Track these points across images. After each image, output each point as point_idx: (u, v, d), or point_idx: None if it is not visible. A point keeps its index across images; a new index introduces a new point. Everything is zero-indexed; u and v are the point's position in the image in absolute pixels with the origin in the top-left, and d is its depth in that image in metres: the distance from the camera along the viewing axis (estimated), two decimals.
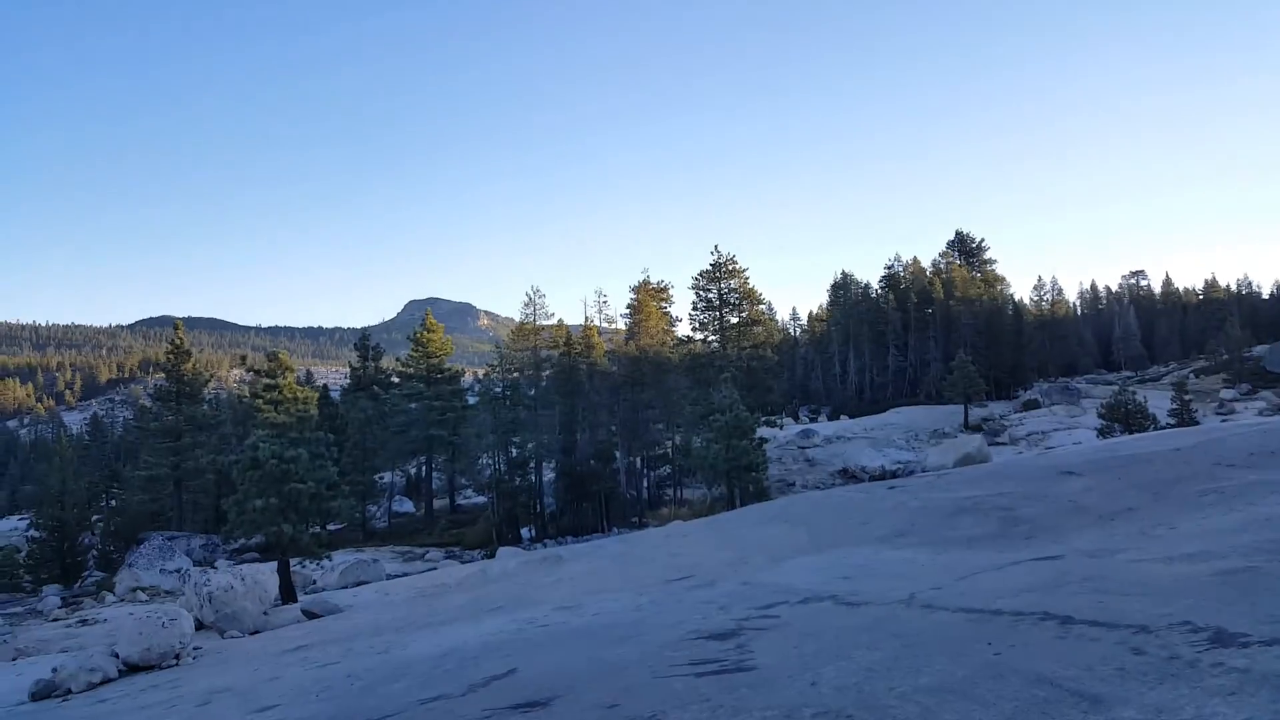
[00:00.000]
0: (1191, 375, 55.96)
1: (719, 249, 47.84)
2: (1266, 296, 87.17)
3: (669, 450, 41.27)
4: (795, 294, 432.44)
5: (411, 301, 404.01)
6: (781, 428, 51.42)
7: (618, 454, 40.17)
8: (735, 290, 47.78)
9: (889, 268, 74.09)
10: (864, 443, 45.34)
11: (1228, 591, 4.10)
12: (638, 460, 41.52)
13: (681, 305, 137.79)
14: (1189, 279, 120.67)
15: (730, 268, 47.75)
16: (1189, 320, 78.48)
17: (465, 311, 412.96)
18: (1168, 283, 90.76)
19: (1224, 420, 36.43)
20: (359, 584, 21.24)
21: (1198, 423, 34.39)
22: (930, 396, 60.43)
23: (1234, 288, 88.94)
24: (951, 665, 3.73)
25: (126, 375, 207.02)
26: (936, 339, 65.49)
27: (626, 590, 8.01)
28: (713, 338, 48.31)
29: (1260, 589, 4.00)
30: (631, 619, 6.24)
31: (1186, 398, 37.76)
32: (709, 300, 48.22)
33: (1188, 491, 7.19)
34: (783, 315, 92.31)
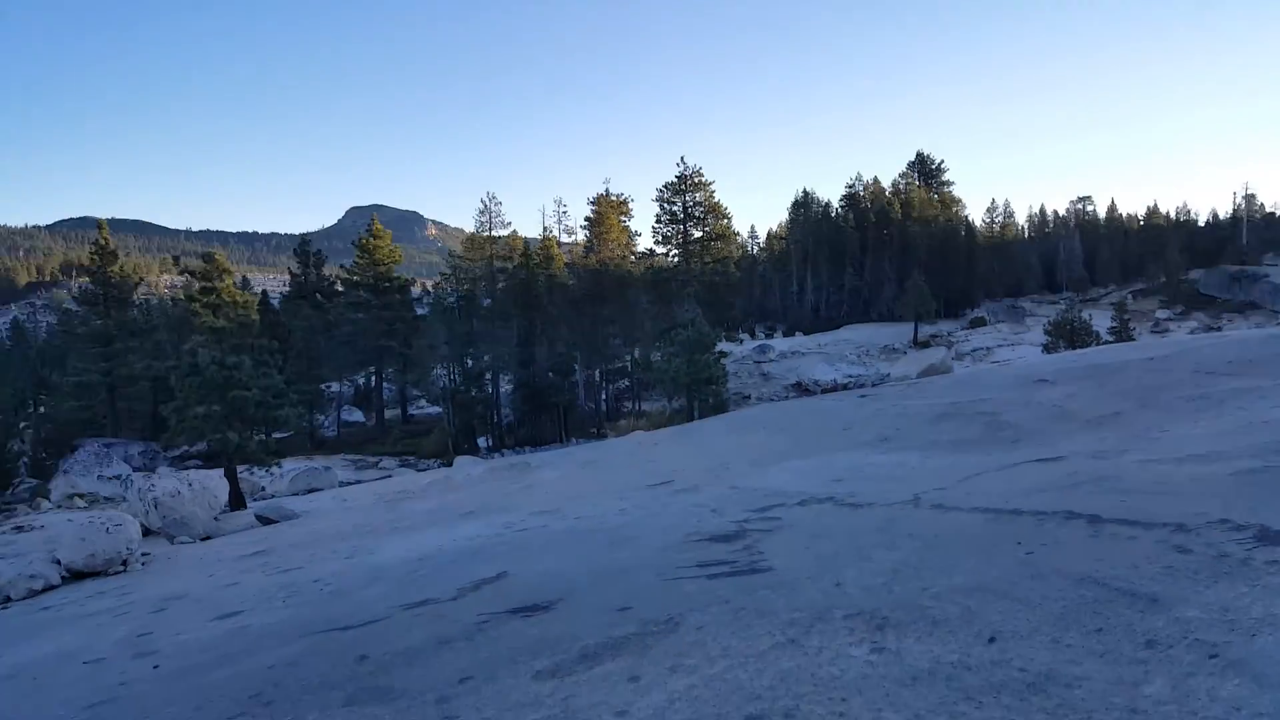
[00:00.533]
0: (1130, 297, 57.71)
1: (685, 160, 46.68)
2: (1202, 225, 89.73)
3: (628, 364, 41.13)
4: (754, 213, 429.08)
5: (354, 208, 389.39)
6: (740, 343, 51.75)
7: (576, 368, 39.90)
8: (700, 204, 46.90)
9: (850, 187, 73.71)
10: (817, 358, 45.88)
11: (1256, 490, 3.95)
12: (596, 373, 41.33)
13: (642, 219, 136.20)
14: (1132, 206, 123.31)
15: (696, 180, 46.72)
16: (1130, 245, 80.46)
17: (412, 220, 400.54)
18: (1112, 209, 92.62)
19: (1162, 338, 37.67)
20: (310, 491, 20.80)
21: (1134, 339, 35.51)
22: (883, 315, 61.31)
23: (1173, 215, 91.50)
24: (983, 565, 3.52)
25: (47, 278, 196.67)
26: (892, 259, 65.95)
27: (605, 495, 7.76)
28: (675, 252, 47.63)
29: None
30: (619, 523, 5.98)
31: (1125, 317, 39.02)
32: (673, 213, 47.29)
33: (1174, 398, 7.12)
34: (741, 233, 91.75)
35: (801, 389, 37.59)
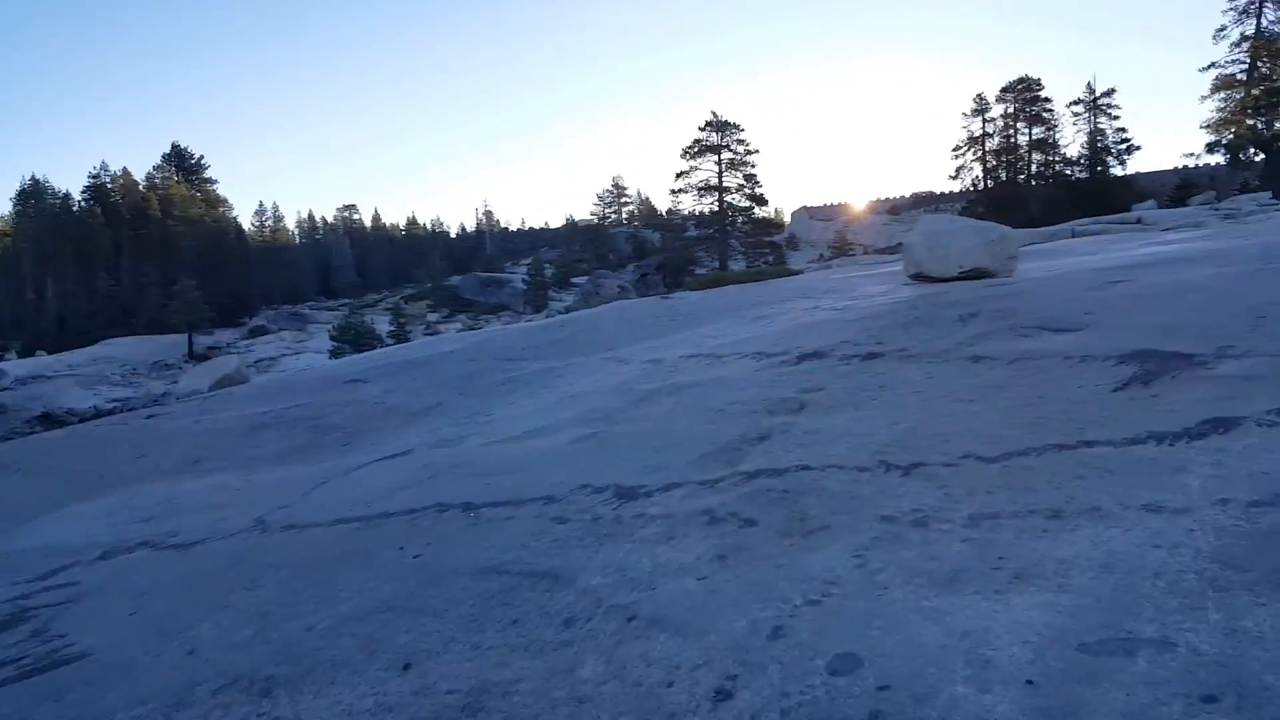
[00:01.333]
0: (402, 301, 63.96)
1: None
2: (454, 235, 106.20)
3: None
4: None
5: None
6: None
7: None
8: None
9: (94, 177, 63.30)
10: (70, 381, 37.74)
11: (588, 452, 4.38)
12: None
13: None
14: (395, 216, 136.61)
15: None
16: (397, 252, 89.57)
17: None
18: (377, 218, 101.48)
19: (442, 335, 42.77)
20: None
21: (410, 340, 39.53)
22: (149, 326, 54.53)
23: (430, 227, 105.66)
24: (371, 582, 3.05)
25: None
26: (155, 262, 59.18)
27: None
28: None
29: (611, 448, 4.37)
30: None
31: (402, 320, 43.24)
32: None
33: (486, 383, 7.75)
34: None
35: (52, 421, 30.22)
